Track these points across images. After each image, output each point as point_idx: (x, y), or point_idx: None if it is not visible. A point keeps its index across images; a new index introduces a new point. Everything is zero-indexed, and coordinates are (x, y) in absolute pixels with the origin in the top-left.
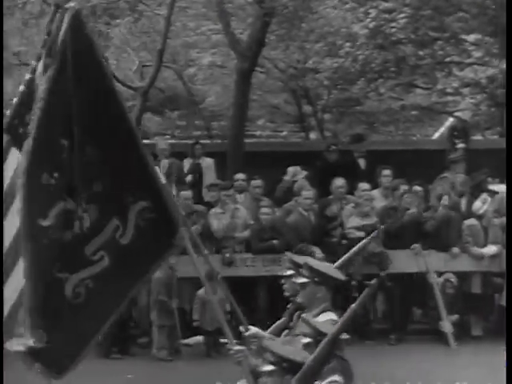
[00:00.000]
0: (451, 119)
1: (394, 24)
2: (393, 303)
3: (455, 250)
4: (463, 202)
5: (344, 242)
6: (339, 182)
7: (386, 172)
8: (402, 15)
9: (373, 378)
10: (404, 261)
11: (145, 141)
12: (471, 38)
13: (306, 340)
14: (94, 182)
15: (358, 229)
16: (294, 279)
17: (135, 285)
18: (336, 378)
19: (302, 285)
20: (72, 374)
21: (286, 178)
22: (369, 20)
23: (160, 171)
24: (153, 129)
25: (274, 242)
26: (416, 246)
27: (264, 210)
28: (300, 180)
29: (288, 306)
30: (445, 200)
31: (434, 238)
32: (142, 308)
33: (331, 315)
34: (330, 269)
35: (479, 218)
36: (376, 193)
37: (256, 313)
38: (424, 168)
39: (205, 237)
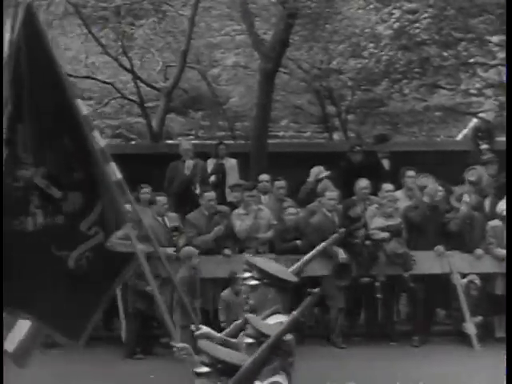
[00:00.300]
0: (475, 120)
1: (417, 24)
2: (416, 304)
3: (479, 251)
4: (487, 203)
5: (368, 242)
6: (363, 183)
7: (410, 173)
8: (426, 15)
9: (397, 379)
10: (427, 262)
11: (168, 141)
12: (495, 39)
13: (249, 340)
14: (74, 170)
15: (382, 229)
16: (245, 281)
17: (126, 267)
18: (278, 378)
19: (253, 287)
20: (96, 374)
21: (310, 179)
22: (393, 20)
23: (185, 171)
24: (176, 129)
25: (298, 242)
26: (439, 247)
27: (290, 210)
28: (324, 181)
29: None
30: (465, 197)
31: (458, 239)
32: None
33: (281, 318)
34: (281, 270)
35: (503, 219)
36: (400, 193)
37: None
38: (448, 169)
39: (228, 237)
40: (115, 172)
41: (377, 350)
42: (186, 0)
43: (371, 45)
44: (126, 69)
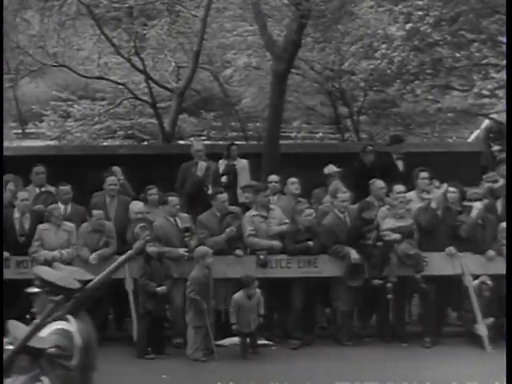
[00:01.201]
0: (487, 121)
1: (427, 19)
2: (428, 306)
3: (491, 252)
4: (499, 205)
5: (379, 243)
6: (381, 183)
7: (424, 174)
8: (436, 12)
9: (408, 380)
10: (439, 263)
11: (180, 142)
12: None
13: (10, 347)
14: None
15: (393, 231)
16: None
17: None
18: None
19: (35, 295)
20: (107, 374)
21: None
22: (402, 18)
23: (197, 172)
24: (188, 130)
25: (309, 243)
26: (451, 248)
27: (307, 211)
28: (335, 182)
29: None
30: (477, 204)
31: (470, 240)
32: (177, 308)
33: (61, 324)
34: (61, 278)
35: None
36: (412, 195)
37: (291, 314)
38: (460, 170)
39: (240, 238)
40: None
41: (388, 350)
42: (198, 1)
43: (383, 46)
44: (138, 69)
